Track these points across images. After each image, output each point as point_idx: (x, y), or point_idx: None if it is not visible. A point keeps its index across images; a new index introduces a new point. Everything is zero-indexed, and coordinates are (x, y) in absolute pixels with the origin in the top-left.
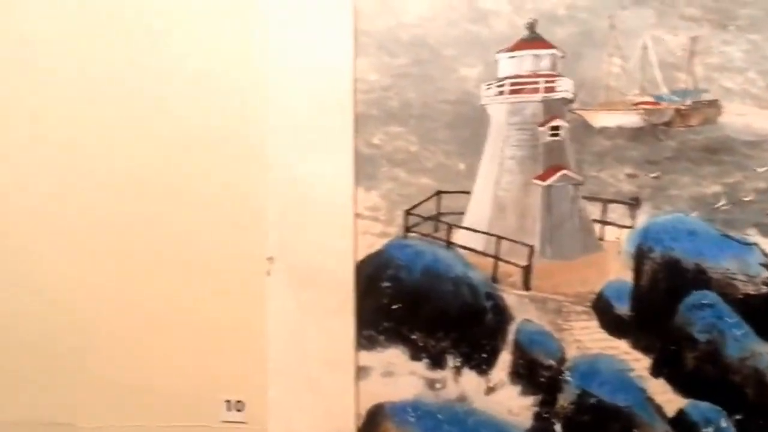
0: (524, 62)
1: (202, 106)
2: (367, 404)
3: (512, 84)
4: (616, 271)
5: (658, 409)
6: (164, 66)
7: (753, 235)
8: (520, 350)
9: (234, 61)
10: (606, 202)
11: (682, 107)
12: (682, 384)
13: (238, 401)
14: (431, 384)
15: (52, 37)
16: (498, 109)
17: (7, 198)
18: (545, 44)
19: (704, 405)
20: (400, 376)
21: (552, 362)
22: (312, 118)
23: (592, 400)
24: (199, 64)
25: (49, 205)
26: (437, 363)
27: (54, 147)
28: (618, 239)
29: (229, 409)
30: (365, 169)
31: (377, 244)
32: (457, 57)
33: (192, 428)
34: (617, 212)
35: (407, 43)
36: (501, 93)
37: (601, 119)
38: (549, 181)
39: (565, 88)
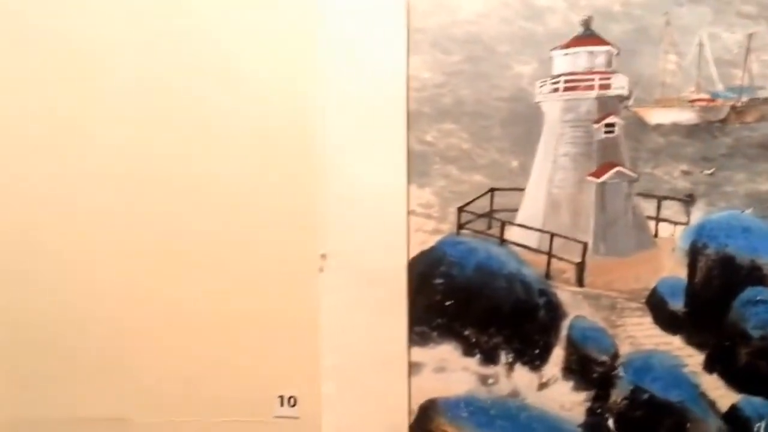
0: (579, 59)
1: (254, 104)
2: (419, 399)
3: (567, 81)
4: (670, 267)
5: (712, 405)
6: (215, 64)
7: None
8: (573, 346)
9: (286, 59)
10: (660, 198)
11: (738, 104)
12: (735, 379)
13: (291, 397)
14: (484, 379)
15: (100, 35)
16: (552, 107)
17: (58, 195)
18: (600, 41)
19: (757, 400)
20: (452, 371)
21: (605, 358)
22: (365, 116)
23: (645, 396)
24: (252, 63)
25: (101, 201)
26: (490, 359)
27: (105, 147)
28: (672, 236)
29: (282, 404)
30: (418, 167)
31: (430, 241)
32: (511, 54)
33: (246, 423)
34: (672, 209)
35: (461, 41)
36: (556, 90)
37: (656, 116)
38: (603, 178)
39: (620, 85)
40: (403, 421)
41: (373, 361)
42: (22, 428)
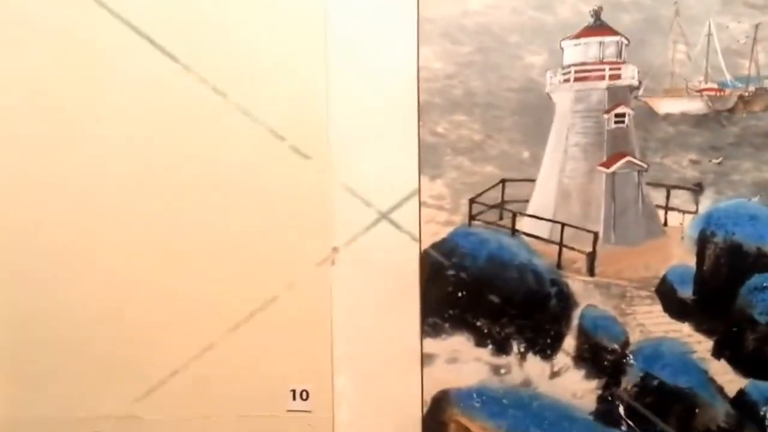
0: (590, 49)
1: (263, 97)
2: (432, 391)
3: (577, 71)
4: (679, 256)
5: (720, 390)
6: (223, 58)
7: None
8: (584, 335)
9: (295, 50)
10: (669, 188)
11: (745, 94)
12: (743, 365)
13: (304, 390)
14: (496, 369)
15: (105, 34)
16: (563, 97)
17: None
18: (611, 31)
19: (764, 385)
20: (465, 362)
21: (616, 346)
22: (376, 107)
23: (655, 382)
24: (260, 55)
25: (113, 198)
26: (502, 349)
27: (124, 146)
28: (681, 225)
29: (294, 398)
30: (429, 158)
31: (442, 233)
32: (521, 45)
33: (258, 418)
34: (681, 198)
35: (471, 31)
36: (566, 80)
37: (665, 106)
38: (613, 168)
39: (630, 75)
40: (416, 413)
41: (386, 353)
42: (34, 428)
